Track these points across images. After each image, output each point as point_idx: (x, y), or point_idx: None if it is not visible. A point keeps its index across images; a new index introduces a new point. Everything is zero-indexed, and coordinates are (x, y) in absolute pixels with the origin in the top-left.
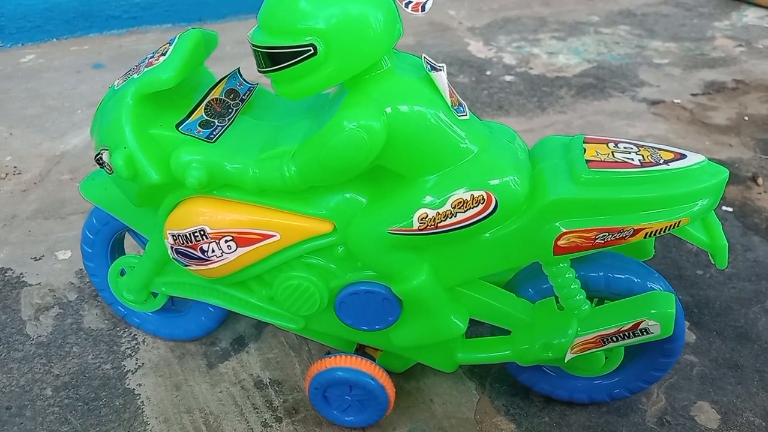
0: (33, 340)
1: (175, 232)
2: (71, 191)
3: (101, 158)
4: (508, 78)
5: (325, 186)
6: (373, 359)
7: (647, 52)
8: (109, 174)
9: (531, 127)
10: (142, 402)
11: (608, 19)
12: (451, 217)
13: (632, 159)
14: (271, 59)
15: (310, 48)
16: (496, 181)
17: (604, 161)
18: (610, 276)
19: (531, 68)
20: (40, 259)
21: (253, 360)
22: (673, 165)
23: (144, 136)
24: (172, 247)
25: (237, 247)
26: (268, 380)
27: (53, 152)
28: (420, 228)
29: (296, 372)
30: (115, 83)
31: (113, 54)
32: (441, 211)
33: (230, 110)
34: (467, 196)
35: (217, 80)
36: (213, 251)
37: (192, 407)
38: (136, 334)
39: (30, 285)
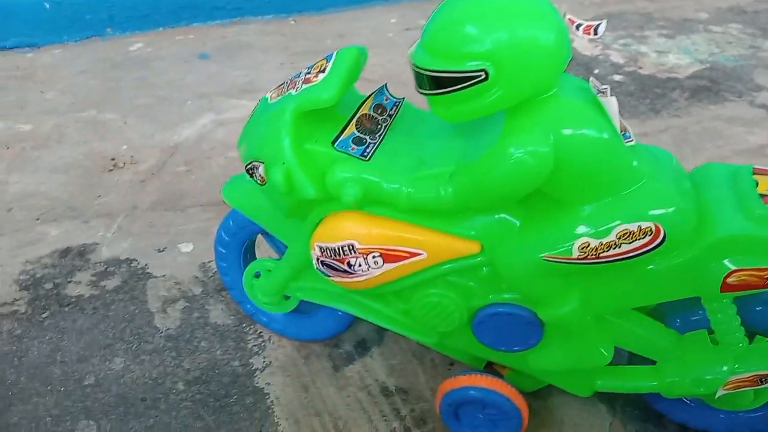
0: (162, 332)
1: (324, 245)
2: (188, 183)
3: (253, 170)
4: (617, 78)
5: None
6: (501, 377)
7: (762, 53)
8: (260, 185)
9: (645, 131)
10: (272, 402)
11: (718, 17)
12: (614, 248)
13: None
14: (436, 82)
15: (482, 73)
16: (665, 212)
17: None
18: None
19: (640, 68)
20: (163, 251)
21: (378, 365)
22: None
23: (301, 152)
24: (318, 259)
25: (384, 263)
26: (393, 387)
27: (167, 143)
28: (579, 257)
29: (420, 381)
30: (268, 96)
31: (218, 45)
32: (605, 241)
33: (379, 126)
34: (634, 228)
35: (366, 95)
36: (360, 266)
37: (321, 410)
38: (261, 332)
39: (155, 277)
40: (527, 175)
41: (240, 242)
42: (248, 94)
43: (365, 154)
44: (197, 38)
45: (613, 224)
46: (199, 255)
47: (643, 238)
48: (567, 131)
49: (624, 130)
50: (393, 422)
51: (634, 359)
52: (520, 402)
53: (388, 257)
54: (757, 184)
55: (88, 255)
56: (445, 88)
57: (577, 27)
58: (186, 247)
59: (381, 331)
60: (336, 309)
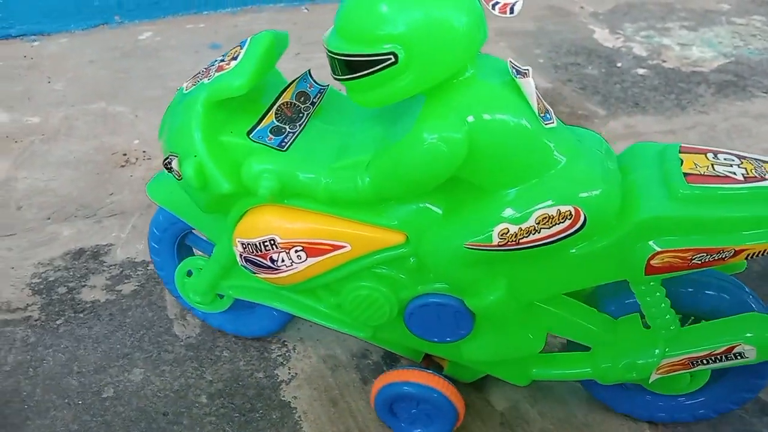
0: (182, 341)
1: (245, 240)
2: None
3: (170, 164)
4: (640, 71)
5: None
6: (441, 369)
7: None
8: (178, 180)
9: (671, 128)
10: (300, 417)
11: (740, 8)
12: (534, 233)
13: (734, 173)
14: (348, 67)
15: (391, 56)
16: (585, 195)
17: (703, 175)
18: (700, 292)
19: (664, 61)
20: None
21: None
22: None
23: (214, 144)
24: (241, 255)
25: (307, 257)
26: None
27: None
28: (500, 244)
29: None
30: (184, 86)
31: (229, 34)
32: (524, 226)
33: (301, 115)
34: (553, 211)
35: (288, 82)
36: (283, 261)
37: (351, 426)
38: (285, 341)
39: None
40: (440, 162)
41: (172, 238)
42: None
43: (283, 144)
44: (208, 27)
45: (531, 209)
46: None
47: (563, 222)
48: (482, 116)
49: (544, 111)
50: None
51: (570, 347)
52: (453, 395)
53: (311, 251)
54: (682, 162)
55: (103, 257)
56: (357, 72)
57: (493, 6)
58: None
59: None
60: (266, 308)
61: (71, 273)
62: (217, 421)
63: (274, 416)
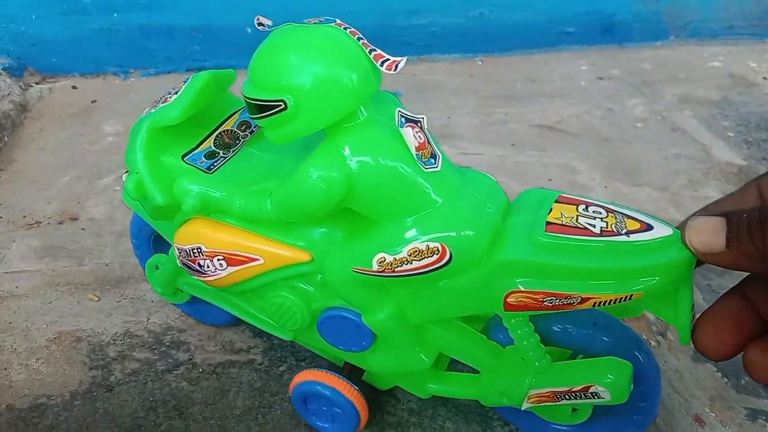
0: (403, 404)
1: (179, 246)
2: None
3: (124, 176)
4: None
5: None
6: (361, 374)
7: None
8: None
9: None
10: None
11: None
12: (406, 264)
13: (594, 226)
14: (256, 109)
15: (281, 103)
16: (452, 234)
17: (563, 225)
18: (571, 331)
19: None
20: None
21: None
22: (634, 237)
23: (155, 164)
24: (178, 258)
25: (227, 266)
26: None
27: None
28: (378, 270)
29: None
30: (145, 111)
31: (408, 82)
32: (398, 257)
33: (238, 141)
34: (423, 246)
35: (233, 111)
36: (208, 267)
37: None
38: (507, 421)
39: None
40: (319, 197)
41: (146, 237)
42: (448, 140)
43: (211, 167)
44: (387, 75)
45: (405, 242)
46: None
47: (432, 256)
48: (362, 158)
49: (428, 156)
50: None
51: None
52: (358, 401)
53: (230, 261)
54: (550, 211)
55: None
56: (260, 113)
57: (381, 63)
58: None
59: None
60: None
61: None
62: None
63: None
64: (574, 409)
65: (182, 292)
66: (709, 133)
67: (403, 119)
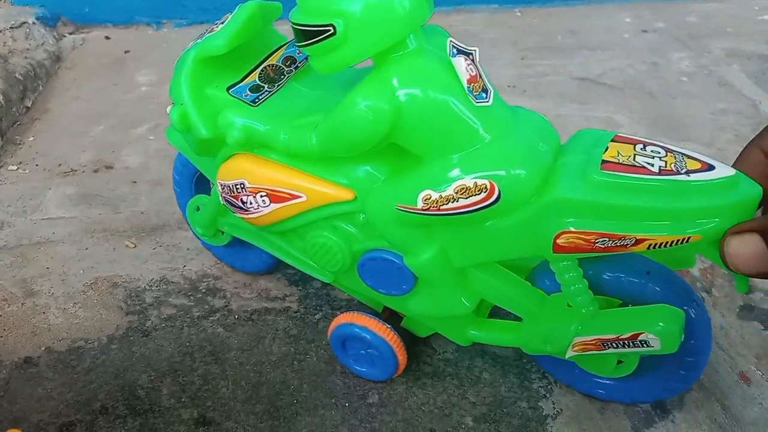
0: (439, 354)
1: (223, 182)
2: None
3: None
4: None
5: (347, 156)
6: (399, 320)
7: None
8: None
9: None
10: None
11: None
12: (453, 202)
13: (652, 165)
14: (303, 35)
15: (330, 28)
16: (501, 172)
17: (620, 163)
18: (623, 279)
19: None
20: None
21: None
22: (695, 176)
23: (200, 95)
24: (221, 195)
25: (270, 203)
26: None
27: None
28: (423, 208)
29: None
30: (190, 43)
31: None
32: (444, 194)
33: (283, 76)
34: (470, 183)
35: (278, 46)
36: (251, 203)
37: None
38: (545, 373)
39: None
40: (366, 128)
41: (188, 179)
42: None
43: (255, 101)
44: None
45: (452, 179)
46: None
47: (479, 194)
48: (412, 90)
49: (479, 90)
50: None
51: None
52: (397, 346)
53: (273, 197)
54: (606, 149)
55: None
56: (308, 40)
57: None
58: None
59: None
60: (252, 247)
61: None
62: None
63: None
64: (619, 362)
65: (222, 234)
66: (757, 88)
67: (454, 50)
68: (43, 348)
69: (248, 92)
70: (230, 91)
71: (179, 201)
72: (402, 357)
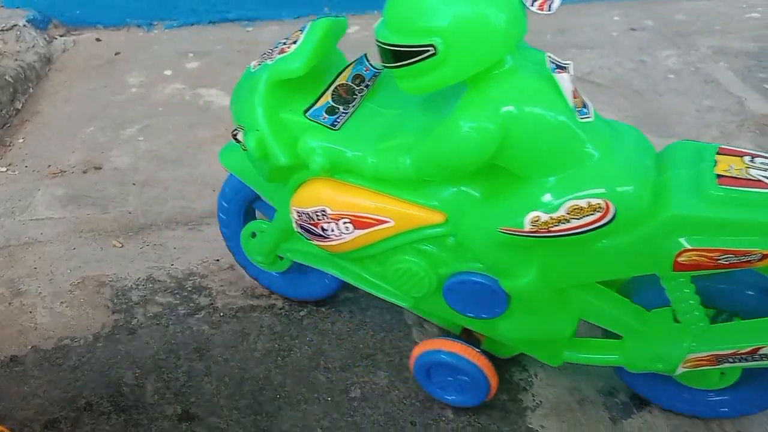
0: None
1: (300, 209)
2: None
3: (236, 135)
4: None
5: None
6: (479, 343)
7: None
8: (244, 150)
9: None
10: None
11: None
12: (564, 223)
13: (767, 177)
14: (394, 56)
15: (431, 48)
16: (616, 189)
17: (735, 178)
18: (738, 291)
19: None
20: None
21: (660, 423)
22: None
23: (275, 120)
24: (296, 222)
25: (354, 229)
26: None
27: None
28: (531, 230)
29: None
30: (252, 65)
31: None
32: (554, 216)
33: (355, 96)
34: (584, 203)
35: (347, 64)
36: (332, 230)
37: None
38: (526, 365)
39: None
40: (473, 150)
41: (238, 207)
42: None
43: (335, 123)
44: None
45: (563, 199)
46: None
47: (593, 214)
48: (516, 108)
49: (581, 105)
50: None
51: (607, 333)
52: (488, 370)
53: (357, 224)
54: (716, 164)
55: None
56: (401, 61)
57: (532, 3)
58: None
59: None
60: (314, 272)
61: None
62: None
63: None
64: (721, 373)
65: (281, 260)
66: (744, 85)
67: (553, 65)
68: (29, 347)
69: (325, 115)
70: (307, 114)
71: (229, 240)
72: (494, 381)
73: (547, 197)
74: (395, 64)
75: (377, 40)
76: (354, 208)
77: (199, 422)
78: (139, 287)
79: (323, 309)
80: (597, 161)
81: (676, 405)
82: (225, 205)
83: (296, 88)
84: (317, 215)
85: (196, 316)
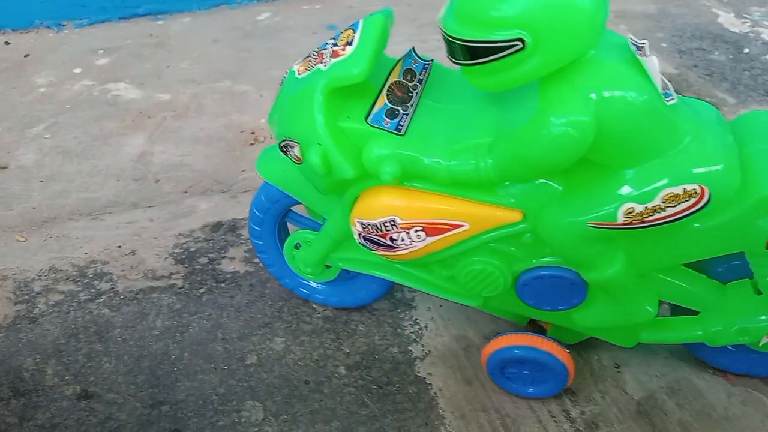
0: (319, 313)
1: (365, 221)
2: None
3: (287, 148)
4: None
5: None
6: (543, 332)
7: None
8: (296, 164)
9: None
10: (435, 393)
11: None
12: (659, 212)
13: None
14: (469, 52)
15: (518, 43)
16: (710, 172)
17: None
18: None
19: None
20: None
21: None
22: None
23: (335, 131)
24: (360, 235)
25: (426, 237)
26: None
27: None
28: (624, 222)
29: (588, 383)
30: (295, 69)
31: (345, 15)
32: (650, 205)
33: (410, 94)
34: (679, 190)
35: (395, 61)
36: (403, 240)
37: (487, 406)
38: (417, 319)
39: None
40: (570, 146)
41: (274, 217)
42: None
43: (399, 127)
44: (324, 8)
45: (657, 188)
46: None
47: (689, 200)
48: (607, 95)
49: (665, 88)
50: (563, 424)
51: (675, 310)
52: (564, 356)
53: (430, 230)
54: None
55: (240, 230)
56: (480, 58)
57: None
58: None
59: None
60: (367, 277)
61: (211, 244)
62: (356, 392)
63: (411, 391)
64: None
65: (328, 269)
66: None
67: (634, 47)
68: None
69: (387, 119)
70: (368, 120)
71: (262, 252)
72: (571, 367)
73: (640, 187)
74: (471, 62)
75: (447, 35)
76: (427, 215)
77: (98, 399)
78: (42, 278)
79: (223, 285)
80: (688, 144)
81: (752, 369)
82: (259, 215)
83: (349, 92)
84: (386, 226)
85: (97, 300)
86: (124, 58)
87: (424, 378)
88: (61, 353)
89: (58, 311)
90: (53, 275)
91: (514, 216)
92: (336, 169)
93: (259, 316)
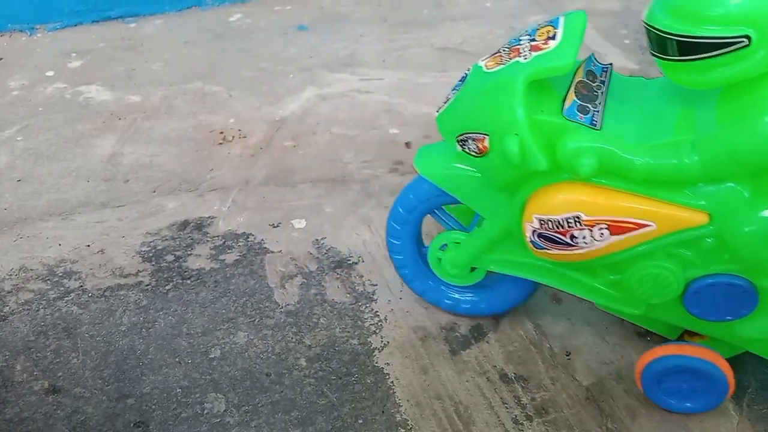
0: (282, 308)
1: (545, 217)
2: (296, 159)
3: (465, 142)
4: None
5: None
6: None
7: None
8: (475, 157)
9: None
10: (392, 382)
11: None
12: None
13: None
14: (685, 48)
15: (744, 39)
16: None
17: None
18: None
19: None
20: (277, 226)
21: (495, 351)
22: None
23: (532, 123)
24: (534, 232)
25: (609, 235)
26: (512, 375)
27: (273, 117)
28: None
29: (540, 369)
30: (482, 65)
31: (315, 16)
32: None
33: (595, 93)
34: None
35: (579, 63)
36: (584, 238)
37: (441, 394)
38: (378, 311)
39: (272, 252)
40: None
41: (418, 217)
42: (350, 68)
43: (594, 122)
44: (295, 9)
45: None
46: (312, 231)
47: None
48: None
49: None
50: (514, 410)
51: None
52: (725, 368)
53: (614, 229)
54: None
55: (206, 228)
56: (696, 54)
57: None
58: (299, 224)
59: (497, 317)
60: (515, 279)
61: (177, 242)
62: (316, 383)
63: (369, 380)
64: None
65: (473, 272)
66: (606, 42)
67: None
68: None
69: (580, 114)
70: (564, 113)
71: (396, 253)
72: (732, 380)
73: None
74: (685, 58)
75: (656, 29)
76: (614, 212)
77: (65, 393)
78: (12, 277)
79: (189, 281)
80: None
81: None
82: (403, 214)
83: (539, 88)
84: (569, 222)
85: (66, 298)
86: (96, 61)
87: (382, 368)
88: (30, 350)
89: (28, 309)
90: (23, 274)
91: (702, 218)
92: (530, 160)
93: (223, 311)
